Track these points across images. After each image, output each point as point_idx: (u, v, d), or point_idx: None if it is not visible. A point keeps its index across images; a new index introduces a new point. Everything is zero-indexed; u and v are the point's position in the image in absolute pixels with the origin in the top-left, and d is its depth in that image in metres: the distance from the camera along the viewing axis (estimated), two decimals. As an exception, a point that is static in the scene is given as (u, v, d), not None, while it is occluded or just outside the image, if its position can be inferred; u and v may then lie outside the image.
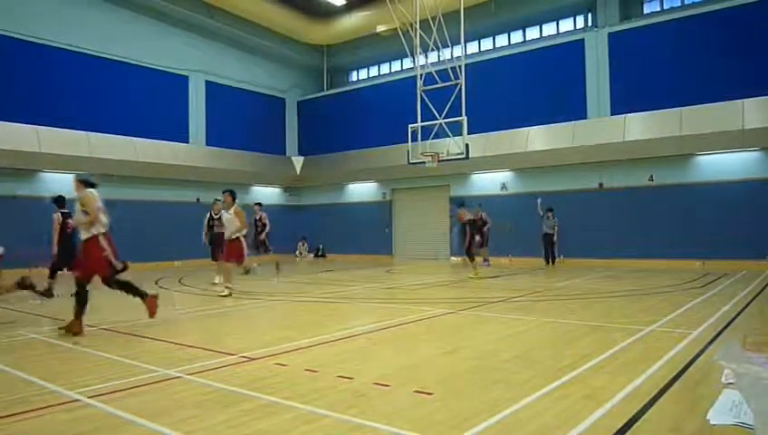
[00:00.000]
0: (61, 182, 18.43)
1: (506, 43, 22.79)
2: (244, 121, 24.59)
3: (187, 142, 22.46)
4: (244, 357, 5.56)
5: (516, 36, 22.64)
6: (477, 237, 15.92)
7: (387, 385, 4.47)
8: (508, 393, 4.26)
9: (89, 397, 4.25)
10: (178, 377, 4.83)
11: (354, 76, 27.92)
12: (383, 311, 9.14)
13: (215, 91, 23.58)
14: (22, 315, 8.82)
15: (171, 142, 21.46)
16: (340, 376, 4.75)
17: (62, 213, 11.40)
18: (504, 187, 20.65)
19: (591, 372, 4.82)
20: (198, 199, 22.02)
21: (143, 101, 20.97)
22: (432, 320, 7.94)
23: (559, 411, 3.82)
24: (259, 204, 16.44)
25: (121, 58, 20.40)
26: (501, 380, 4.71)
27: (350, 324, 7.88)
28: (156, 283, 14.26)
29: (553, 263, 17.88)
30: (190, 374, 4.89)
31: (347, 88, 26.59)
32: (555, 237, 17.80)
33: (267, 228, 15.90)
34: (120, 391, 4.45)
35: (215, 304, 10.15)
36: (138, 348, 6.18)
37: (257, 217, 15.58)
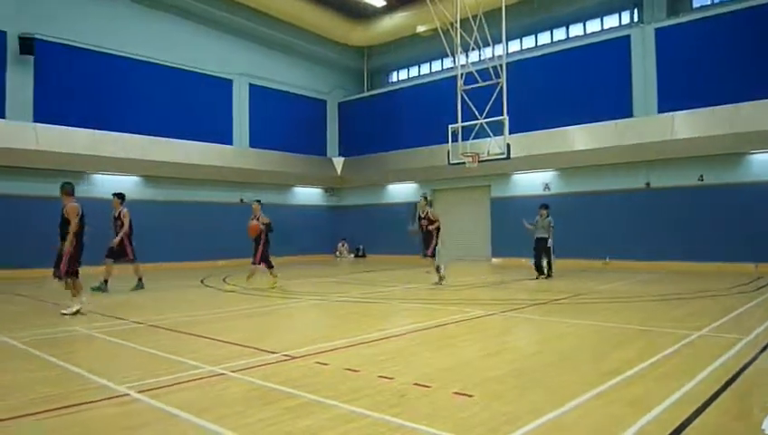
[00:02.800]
0: (120, 183, 19.14)
1: (549, 41, 22.44)
2: (286, 123, 24.94)
3: (232, 144, 22.93)
4: (285, 355, 5.64)
5: (559, 33, 22.26)
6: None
7: (427, 386, 4.46)
8: (550, 397, 4.20)
9: (138, 392, 4.40)
10: (222, 374, 4.94)
11: (394, 77, 27.96)
12: (424, 311, 9.12)
13: (258, 94, 24.01)
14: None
15: (216, 144, 21.96)
16: (381, 376, 4.77)
17: None
18: (546, 187, 20.32)
19: (636, 378, 4.71)
20: (242, 200, 22.47)
21: (190, 105, 21.51)
22: (473, 321, 7.89)
23: (602, 417, 3.75)
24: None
25: (169, 63, 20.99)
26: (543, 383, 4.65)
27: (391, 325, 7.90)
28: (202, 281, 14.61)
29: (549, 273, 14.40)
30: (234, 371, 4.99)
31: (387, 89, 26.66)
32: (550, 241, 14.18)
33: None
34: (167, 386, 4.58)
35: (257, 302, 10.33)
36: (183, 345, 6.34)
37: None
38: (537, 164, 19.96)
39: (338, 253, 26.11)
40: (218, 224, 21.20)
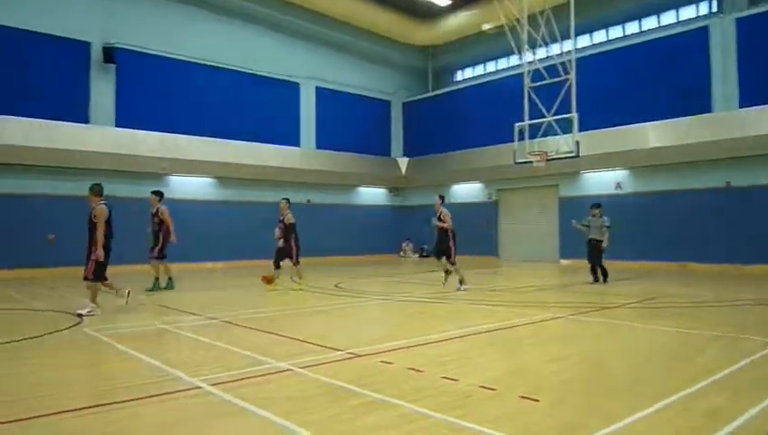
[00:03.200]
0: (194, 185, 20.01)
1: (621, 35, 21.63)
2: (351, 124, 25.25)
3: (299, 146, 23.45)
4: (350, 354, 5.72)
5: (632, 27, 21.42)
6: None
7: (493, 389, 4.41)
8: (621, 405, 4.06)
9: (209, 384, 4.58)
10: (289, 370, 5.07)
11: (459, 76, 27.75)
12: (488, 313, 9.01)
13: (324, 96, 24.45)
14: (153, 306, 9.62)
15: (284, 146, 22.53)
16: (445, 377, 4.76)
17: None
18: (618, 186, 19.59)
19: (715, 387, 4.47)
20: (309, 201, 22.96)
21: (259, 108, 22.16)
22: (540, 324, 7.73)
23: (677, 428, 3.58)
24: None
25: (240, 68, 21.71)
26: (613, 390, 4.50)
27: (455, 326, 7.85)
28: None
29: (605, 279, 12.89)
30: (300, 368, 5.11)
31: (451, 88, 26.49)
32: (605, 244, 12.73)
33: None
34: (237, 380, 4.75)
35: (323, 301, 10.52)
36: (252, 340, 6.55)
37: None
38: (608, 162, 19.29)
39: (402, 253, 26.19)
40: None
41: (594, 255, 12.93)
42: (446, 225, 11.86)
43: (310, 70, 23.98)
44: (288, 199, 12.89)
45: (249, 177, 21.14)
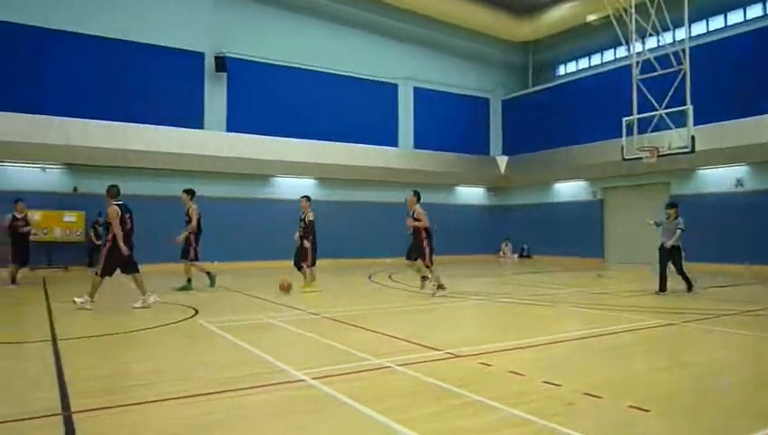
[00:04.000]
0: (299, 186, 20.86)
1: (741, 20, 19.92)
2: (449, 123, 25.14)
3: (397, 146, 23.70)
4: (449, 353, 5.71)
5: (755, 10, 19.64)
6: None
7: (598, 396, 4.23)
8: (741, 420, 3.76)
9: (312, 378, 4.75)
10: (389, 367, 5.14)
11: (562, 70, 26.80)
12: (593, 317, 8.65)
13: (422, 96, 24.54)
14: (265, 303, 10.12)
15: (383, 147, 22.86)
16: (547, 382, 4.63)
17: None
18: (739, 183, 18.06)
19: None
20: (406, 200, 23.10)
21: (359, 110, 22.63)
22: (649, 331, 7.31)
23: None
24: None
25: (340, 71, 22.30)
26: (732, 403, 4.17)
27: (557, 329, 7.62)
28: (369, 277, 15.29)
29: (689, 288, 11.18)
30: (400, 365, 5.17)
31: (554, 83, 25.63)
32: (669, 244, 11.10)
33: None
34: (338, 375, 4.89)
35: (422, 300, 10.56)
36: (353, 337, 6.71)
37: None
38: (727, 158, 17.81)
39: (501, 253, 25.72)
40: (385, 223, 22.06)
41: (664, 260, 11.14)
42: (420, 224, 10.89)
43: (407, 70, 24.16)
44: (308, 197, 12.26)
45: (348, 177, 21.67)
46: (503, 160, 26.31)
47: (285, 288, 11.16)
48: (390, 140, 23.61)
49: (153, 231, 16.92)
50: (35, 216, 15.67)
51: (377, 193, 22.70)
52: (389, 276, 15.78)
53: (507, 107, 27.05)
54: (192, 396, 4.32)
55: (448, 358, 5.56)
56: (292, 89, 21.18)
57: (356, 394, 4.27)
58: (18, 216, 13.15)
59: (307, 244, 11.78)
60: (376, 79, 23.31)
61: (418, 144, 24.28)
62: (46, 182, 17.18)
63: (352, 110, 22.48)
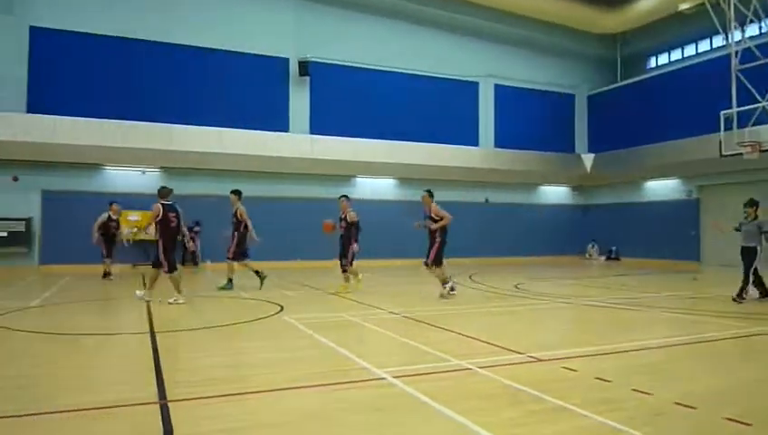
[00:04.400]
0: (379, 186, 21.15)
1: None
2: (532, 121, 24.56)
3: (477, 145, 23.44)
4: (531, 357, 5.59)
5: None
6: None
7: (692, 407, 4.01)
8: None
9: (393, 377, 4.80)
10: (469, 369, 5.11)
11: (653, 62, 25.48)
12: (687, 323, 8.18)
13: (503, 94, 24.13)
14: (347, 301, 10.34)
15: (463, 146, 22.68)
16: (636, 390, 4.43)
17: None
18: None
19: None
20: (487, 200, 22.88)
21: (439, 109, 22.58)
22: (750, 339, 6.83)
23: None
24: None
25: (419, 72, 22.34)
26: None
27: (647, 335, 7.27)
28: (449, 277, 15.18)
29: (763, 292, 10.12)
30: (480, 367, 5.12)
31: (644, 76, 24.39)
32: (759, 250, 10.02)
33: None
34: (419, 374, 4.91)
35: (503, 301, 10.40)
36: (433, 337, 6.71)
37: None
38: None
39: (587, 254, 24.81)
40: (464, 223, 21.88)
41: (747, 264, 10.13)
42: (444, 222, 10.78)
43: (488, 68, 23.83)
44: (347, 196, 12.17)
45: (429, 177, 21.62)
46: (588, 158, 25.38)
47: (329, 228, 11.75)
48: (471, 139, 23.37)
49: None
50: (133, 216, 16.89)
51: (457, 193, 22.52)
52: (470, 277, 15.64)
53: (594, 102, 26.05)
54: (281, 390, 4.51)
55: (530, 361, 5.45)
56: (373, 90, 21.45)
57: (436, 394, 4.27)
58: (114, 217, 14.23)
59: (356, 246, 11.61)
60: (456, 78, 23.16)
61: (500, 143, 23.88)
62: (146, 184, 18.34)
63: (432, 109, 22.45)
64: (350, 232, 11.66)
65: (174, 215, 9.90)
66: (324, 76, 20.66)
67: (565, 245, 24.41)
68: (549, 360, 5.49)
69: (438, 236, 10.66)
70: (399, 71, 21.99)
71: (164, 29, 18.56)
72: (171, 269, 9.72)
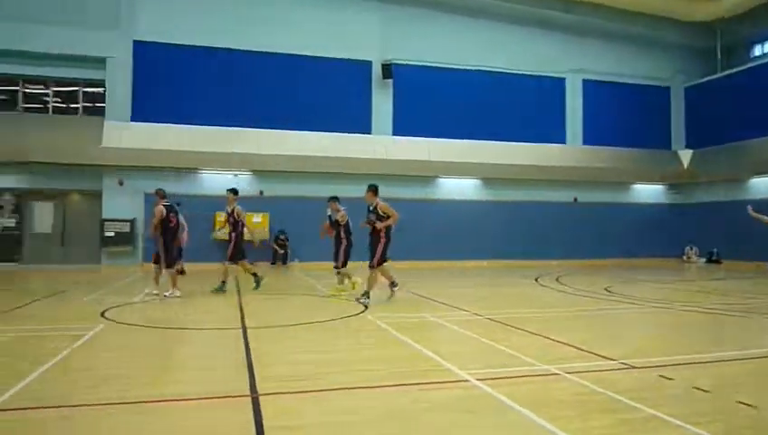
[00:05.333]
0: (462, 186, 21.06)
1: None
2: (622, 116, 23.47)
3: (564, 143, 22.72)
4: (624, 364, 5.36)
5: None
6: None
7: (804, 423, 3.71)
8: None
9: (477, 379, 4.76)
10: (557, 374, 4.97)
11: (757, 51, 23.64)
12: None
13: (591, 89, 23.23)
14: (430, 302, 10.35)
15: (549, 144, 22.08)
16: (741, 402, 4.14)
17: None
18: None
19: None
20: (576, 199, 22.13)
21: (523, 107, 22.09)
22: None
23: None
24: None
25: (501, 69, 21.94)
26: None
27: (753, 343, 6.77)
28: (536, 280, 14.87)
29: None
30: (569, 373, 4.97)
31: (748, 65, 22.67)
32: None
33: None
34: (503, 378, 4.85)
35: (593, 305, 10.04)
36: (519, 340, 6.58)
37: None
38: None
39: (685, 257, 23.37)
40: (551, 223, 21.33)
41: None
42: (390, 221, 9.95)
43: (574, 63, 23.01)
44: (337, 198, 11.58)
45: (514, 176, 21.24)
46: (686, 154, 23.93)
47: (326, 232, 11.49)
48: (558, 136, 22.68)
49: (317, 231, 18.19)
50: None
51: (544, 192, 21.95)
52: (557, 279, 15.19)
53: (691, 95, 24.49)
54: (365, 388, 4.60)
55: (622, 368, 5.23)
56: (455, 89, 21.31)
57: (521, 399, 4.20)
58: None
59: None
60: (541, 74, 22.56)
61: (588, 140, 23.00)
62: (238, 187, 19.20)
63: (517, 107, 21.99)
64: (340, 233, 11.28)
65: (173, 215, 10.57)
66: (406, 77, 20.77)
67: (660, 246, 23.09)
68: (643, 367, 5.24)
69: (384, 236, 9.85)
70: (482, 69, 21.71)
71: (252, 39, 19.37)
72: (170, 265, 10.43)
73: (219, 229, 15.07)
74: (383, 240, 9.81)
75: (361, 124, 20.32)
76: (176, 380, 4.95)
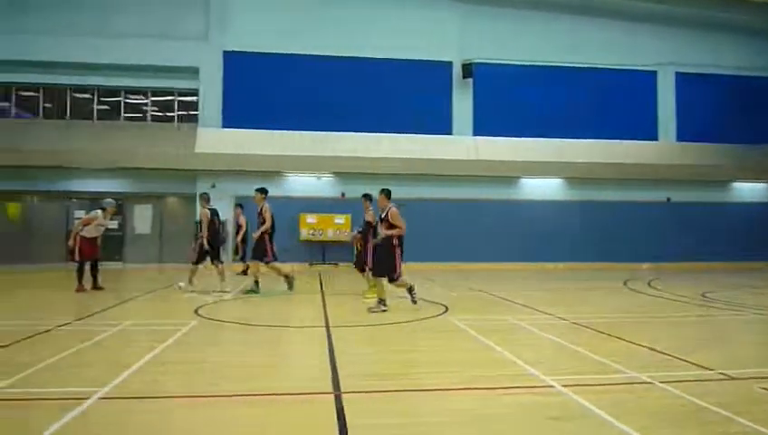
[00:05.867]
0: (543, 186, 20.57)
1: None
2: (720, 110, 21.94)
3: (656, 140, 21.61)
4: (722, 374, 5.05)
5: None
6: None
7: None
8: None
9: (562, 385, 4.64)
10: (649, 383, 4.76)
11: None
12: None
13: (686, 82, 21.91)
14: (512, 304, 10.18)
15: (638, 141, 21.07)
16: None
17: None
18: None
19: None
20: (669, 199, 21.06)
21: (609, 103, 21.23)
22: None
23: None
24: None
25: (585, 64, 21.16)
26: None
27: None
28: (624, 283, 14.26)
29: None
30: (662, 382, 4.74)
31: None
32: None
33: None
34: (590, 385, 4.69)
35: (684, 310, 9.50)
36: (607, 346, 6.34)
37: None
38: None
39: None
40: (642, 225, 20.38)
41: None
42: (397, 231, 8.97)
43: (666, 55, 21.80)
44: (369, 196, 10.75)
45: (601, 176, 20.43)
46: (793, 149, 22.07)
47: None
48: (648, 133, 21.56)
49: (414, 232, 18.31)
50: (311, 218, 18.35)
51: (634, 192, 20.95)
52: (648, 283, 14.49)
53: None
54: (446, 390, 4.61)
55: (720, 379, 4.93)
56: (538, 88, 20.79)
57: (610, 408, 4.06)
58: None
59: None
60: (629, 67, 21.54)
61: (682, 136, 21.72)
62: (320, 189, 19.72)
63: (602, 103, 21.15)
64: (368, 233, 10.51)
65: (217, 218, 11.77)
66: (487, 77, 20.50)
67: (765, 249, 21.43)
68: (741, 378, 4.92)
69: (399, 245, 8.99)
70: (565, 65, 21.05)
71: (333, 44, 19.81)
72: (216, 261, 11.60)
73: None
74: (398, 250, 8.94)
75: (442, 125, 20.28)
76: (263, 375, 5.16)
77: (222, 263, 11.86)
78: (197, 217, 12.64)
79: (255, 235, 11.13)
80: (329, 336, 6.80)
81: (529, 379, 4.92)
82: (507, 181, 20.19)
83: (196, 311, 8.73)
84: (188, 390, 4.58)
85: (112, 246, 18.76)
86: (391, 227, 8.87)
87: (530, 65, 20.88)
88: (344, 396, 4.36)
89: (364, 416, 3.95)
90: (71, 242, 11.14)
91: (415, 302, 9.24)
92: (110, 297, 10.37)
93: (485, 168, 19.61)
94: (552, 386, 4.66)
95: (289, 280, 11.38)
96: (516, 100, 20.62)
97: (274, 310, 9.32)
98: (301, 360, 5.86)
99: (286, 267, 12.29)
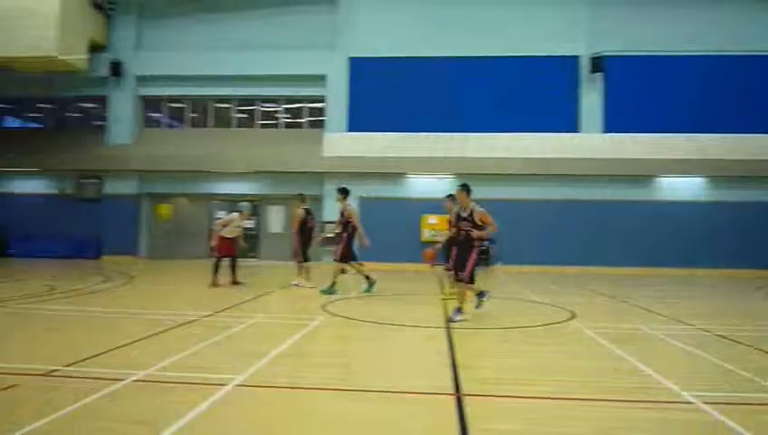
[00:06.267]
0: (679, 185, 19.05)
1: None
2: None
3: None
4: None
5: None
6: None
7: None
8: None
9: (703, 402, 4.27)
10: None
11: None
12: None
13: None
14: (646, 312, 9.57)
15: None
16: None
17: None
18: None
19: None
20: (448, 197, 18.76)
21: (752, 92, 19.12)
22: None
23: None
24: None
25: (720, 51, 19.23)
26: None
27: None
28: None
29: None
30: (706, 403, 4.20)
31: None
32: None
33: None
34: (739, 404, 4.29)
35: None
36: (757, 361, 5.72)
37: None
38: None
39: None
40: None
41: None
42: (486, 233, 8.16)
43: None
44: (453, 196, 9.55)
45: (747, 174, 18.42)
46: None
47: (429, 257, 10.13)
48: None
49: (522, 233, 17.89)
50: (432, 219, 18.43)
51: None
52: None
53: None
54: (572, 399, 4.43)
55: None
56: (672, 79, 19.26)
57: (759, 430, 3.68)
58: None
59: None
60: (754, 53, 19.26)
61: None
62: (443, 190, 19.70)
63: (747, 92, 19.07)
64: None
65: (311, 217, 12.00)
66: (618, 70, 19.37)
67: None
68: None
69: (478, 247, 8.26)
70: (701, 53, 19.21)
71: (454, 45, 19.81)
72: (305, 260, 11.94)
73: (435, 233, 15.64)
74: (476, 252, 8.25)
75: (568, 123, 19.46)
76: (385, 372, 5.27)
77: (308, 260, 12.07)
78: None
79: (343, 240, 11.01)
80: (449, 337, 6.79)
81: (665, 393, 4.58)
82: (642, 180, 18.89)
83: (323, 307, 9.11)
84: (314, 382, 4.81)
85: (249, 244, 20.15)
86: (477, 227, 8.18)
87: (663, 55, 19.38)
88: (465, 398, 4.34)
89: (486, 420, 3.90)
90: (213, 242, 12.26)
91: (478, 306, 8.67)
92: (247, 291, 11.12)
93: (617, 166, 18.53)
94: (691, 402, 4.30)
95: (370, 281, 11.25)
96: (650, 93, 19.37)
97: (396, 309, 9.46)
98: (421, 358, 5.90)
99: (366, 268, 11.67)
